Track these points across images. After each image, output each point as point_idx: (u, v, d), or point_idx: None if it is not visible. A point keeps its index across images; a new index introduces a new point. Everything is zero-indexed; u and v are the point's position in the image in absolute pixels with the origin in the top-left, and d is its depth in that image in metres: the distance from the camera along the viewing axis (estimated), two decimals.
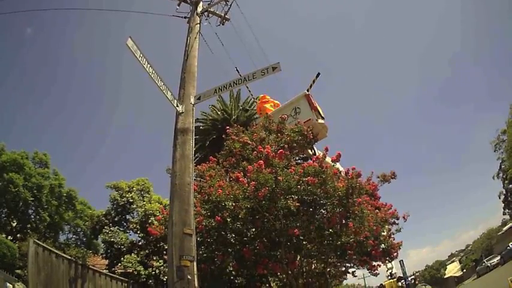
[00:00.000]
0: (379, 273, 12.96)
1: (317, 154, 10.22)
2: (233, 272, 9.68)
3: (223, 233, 8.81)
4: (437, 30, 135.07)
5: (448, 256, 72.88)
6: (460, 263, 53.32)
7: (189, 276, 5.58)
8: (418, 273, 53.75)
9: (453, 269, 52.77)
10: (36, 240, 10.48)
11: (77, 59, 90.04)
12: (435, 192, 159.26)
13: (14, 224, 16.23)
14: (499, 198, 35.88)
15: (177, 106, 6.93)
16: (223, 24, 9.63)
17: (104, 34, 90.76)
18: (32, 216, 16.49)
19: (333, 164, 9.30)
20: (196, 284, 5.70)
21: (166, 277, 12.01)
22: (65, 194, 17.04)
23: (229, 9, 9.49)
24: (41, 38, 79.04)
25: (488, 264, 35.04)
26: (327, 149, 9.36)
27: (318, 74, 11.90)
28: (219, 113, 17.54)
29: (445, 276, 48.39)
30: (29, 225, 16.13)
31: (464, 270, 47.28)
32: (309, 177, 8.31)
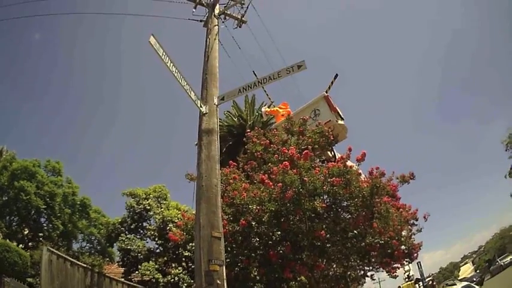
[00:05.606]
0: (398, 276, 12.79)
1: (337, 156, 10.07)
2: (257, 277, 9.46)
3: (247, 237, 8.63)
4: (459, 27, 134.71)
5: (461, 258, 72.40)
6: (473, 264, 52.96)
7: (218, 281, 5.37)
8: (433, 275, 53.40)
9: (466, 270, 52.44)
10: (50, 248, 10.34)
11: (91, 67, 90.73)
12: (446, 194, 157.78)
13: (26, 232, 16.13)
14: (511, 197, 35.50)
15: (201, 106, 6.79)
16: (240, 27, 9.51)
17: (101, 37, 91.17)
18: (45, 225, 16.41)
19: (357, 164, 9.13)
20: None
21: (185, 284, 11.85)
22: (78, 202, 16.99)
23: (245, 11, 9.40)
24: (52, 43, 79.43)
25: (502, 263, 34.94)
26: (350, 149, 9.18)
27: (336, 76, 11.81)
28: (234, 119, 17.42)
29: (458, 278, 47.97)
30: (41, 234, 16.05)
31: (477, 271, 46.85)
32: (333, 178, 8.14)
